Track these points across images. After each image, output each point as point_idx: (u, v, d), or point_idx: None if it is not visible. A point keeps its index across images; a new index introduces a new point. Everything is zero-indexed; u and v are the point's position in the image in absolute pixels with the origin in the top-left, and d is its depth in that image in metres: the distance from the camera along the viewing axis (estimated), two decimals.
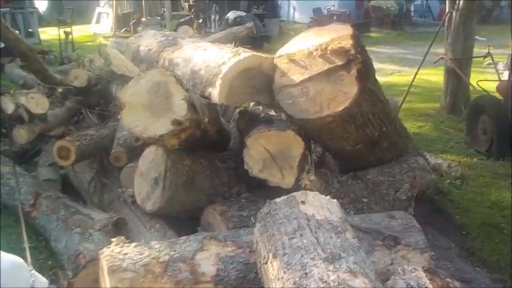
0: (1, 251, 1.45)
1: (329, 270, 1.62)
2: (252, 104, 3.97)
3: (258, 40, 12.47)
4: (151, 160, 3.16)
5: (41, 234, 3.59)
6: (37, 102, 4.40)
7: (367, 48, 3.13)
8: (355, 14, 18.37)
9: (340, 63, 2.86)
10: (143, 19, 14.56)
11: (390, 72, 10.82)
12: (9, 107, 4.38)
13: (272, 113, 3.76)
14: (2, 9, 11.78)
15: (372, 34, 17.00)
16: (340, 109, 2.85)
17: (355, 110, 2.98)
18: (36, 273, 1.69)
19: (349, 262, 1.67)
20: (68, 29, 10.80)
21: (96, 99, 5.21)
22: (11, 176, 4.11)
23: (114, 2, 15.46)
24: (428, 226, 3.78)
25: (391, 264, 2.38)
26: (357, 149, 3.32)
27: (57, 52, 10.58)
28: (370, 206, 3.32)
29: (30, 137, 4.47)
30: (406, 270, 1.76)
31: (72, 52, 9.69)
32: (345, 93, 2.85)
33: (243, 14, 14.09)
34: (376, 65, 3.52)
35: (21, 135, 4.40)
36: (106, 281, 1.97)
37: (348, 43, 2.86)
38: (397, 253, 2.44)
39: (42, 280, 1.89)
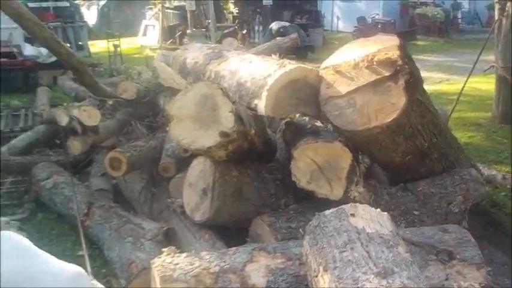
0: (61, 261, 1.51)
1: (382, 285, 1.59)
2: (297, 114, 3.97)
3: (302, 50, 12.50)
4: (199, 171, 3.21)
5: (94, 242, 3.70)
6: (89, 115, 4.54)
7: (413, 56, 3.08)
8: (400, 22, 18.12)
9: (387, 74, 2.84)
10: (188, 31, 14.88)
11: (438, 81, 10.56)
12: (64, 120, 4.54)
13: (318, 123, 3.74)
14: (53, 23, 12.29)
15: (418, 42, 16.70)
16: (388, 120, 2.82)
17: (404, 121, 2.94)
18: (97, 282, 1.75)
19: (402, 277, 1.64)
20: (116, 42, 11.13)
21: (144, 111, 5.34)
22: (65, 185, 4.27)
23: (161, 15, 15.87)
24: (483, 240, 3.65)
25: (446, 279, 2.30)
26: (407, 160, 3.25)
27: (106, 64, 10.92)
28: (421, 218, 3.24)
29: (84, 148, 4.60)
30: (462, 287, 1.71)
31: (121, 64, 9.97)
32: (392, 104, 2.81)
33: (287, 24, 14.19)
34: (424, 74, 3.46)
35: (75, 146, 4.54)
36: None
37: (394, 54, 2.83)
38: (452, 268, 2.36)
39: None
